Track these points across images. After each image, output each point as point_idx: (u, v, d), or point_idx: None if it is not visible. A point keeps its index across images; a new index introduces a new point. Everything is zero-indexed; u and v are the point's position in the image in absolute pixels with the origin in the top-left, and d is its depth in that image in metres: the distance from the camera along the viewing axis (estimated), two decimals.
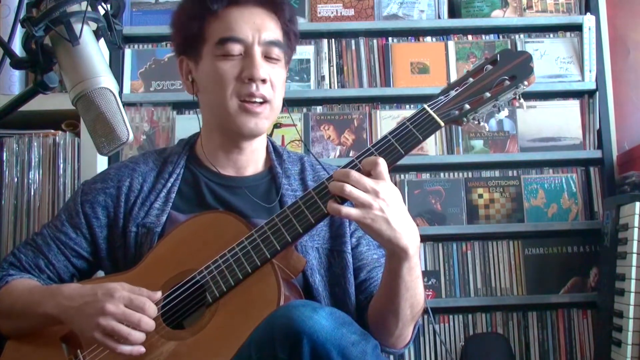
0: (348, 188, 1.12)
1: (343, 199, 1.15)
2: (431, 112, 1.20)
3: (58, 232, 1.35)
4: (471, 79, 1.22)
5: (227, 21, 1.30)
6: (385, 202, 1.11)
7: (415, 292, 1.19)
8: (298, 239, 1.21)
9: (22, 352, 1.25)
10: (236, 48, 1.30)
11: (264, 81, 1.30)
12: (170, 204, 1.34)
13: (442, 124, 1.20)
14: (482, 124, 1.23)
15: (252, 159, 1.41)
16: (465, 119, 1.21)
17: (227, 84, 1.30)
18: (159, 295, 1.15)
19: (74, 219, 1.35)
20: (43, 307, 1.19)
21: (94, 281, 1.30)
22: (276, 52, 1.32)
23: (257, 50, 1.30)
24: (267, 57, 1.32)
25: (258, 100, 1.30)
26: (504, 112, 1.23)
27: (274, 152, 1.44)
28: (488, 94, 1.20)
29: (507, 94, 1.21)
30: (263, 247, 1.16)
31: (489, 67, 1.23)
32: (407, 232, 1.13)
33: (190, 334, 1.15)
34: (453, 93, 1.22)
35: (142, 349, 1.12)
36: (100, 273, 1.43)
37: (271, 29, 1.33)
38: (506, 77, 1.20)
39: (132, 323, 1.10)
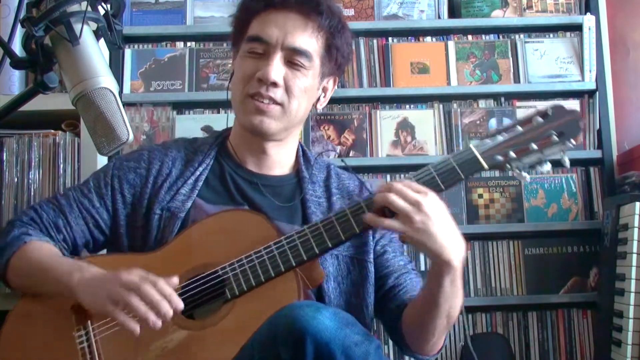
0: (392, 197, 1.13)
1: (390, 213, 1.16)
2: (477, 153, 1.21)
3: (83, 196, 1.36)
4: (520, 128, 1.23)
5: (262, 22, 1.34)
6: (428, 215, 1.12)
7: (453, 303, 1.22)
8: (326, 253, 1.23)
9: (30, 316, 1.25)
10: (260, 48, 1.33)
11: (274, 84, 1.31)
12: (197, 191, 1.35)
13: (487, 167, 1.21)
14: (523, 174, 1.23)
15: (277, 161, 1.42)
16: (508, 166, 1.22)
17: (243, 80, 1.34)
18: (175, 281, 1.14)
19: (102, 189, 1.36)
20: (62, 282, 1.19)
21: (116, 259, 1.31)
22: (301, 60, 1.33)
23: (277, 54, 1.32)
24: (290, 63, 1.33)
25: (266, 100, 1.32)
26: (547, 166, 1.23)
27: (303, 157, 1.46)
28: (535, 146, 1.21)
29: (553, 149, 1.21)
30: (290, 255, 1.18)
31: (539, 119, 1.23)
32: (451, 245, 1.15)
33: (203, 326, 1.15)
34: (500, 138, 1.22)
35: (158, 324, 1.10)
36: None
37: (302, 37, 1.33)
38: (555, 133, 1.21)
39: (146, 292, 1.09)
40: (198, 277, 1.20)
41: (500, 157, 1.21)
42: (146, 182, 1.37)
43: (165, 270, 1.19)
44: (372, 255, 1.37)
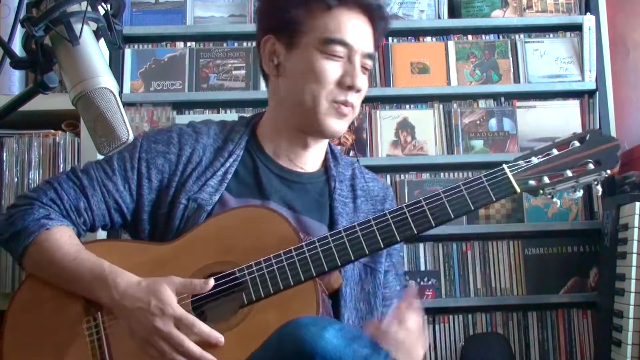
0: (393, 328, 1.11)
1: None
2: (510, 175, 1.18)
3: (107, 179, 1.30)
4: (555, 151, 1.19)
5: (338, 21, 1.29)
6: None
7: None
8: (347, 264, 1.21)
9: (38, 296, 1.24)
10: (342, 51, 1.30)
11: (358, 91, 1.31)
12: (225, 184, 1.31)
13: (518, 190, 1.18)
14: (554, 199, 1.20)
15: (313, 157, 1.40)
16: (541, 192, 1.18)
17: (326, 84, 1.29)
18: (211, 284, 1.15)
19: (128, 172, 1.31)
20: (94, 292, 1.18)
21: (132, 248, 1.28)
22: (369, 63, 1.34)
23: (359, 60, 1.31)
24: (363, 68, 1.33)
25: (347, 105, 1.31)
26: (579, 193, 1.20)
27: (331, 154, 1.45)
28: (570, 173, 1.17)
29: (588, 177, 1.17)
30: (310, 264, 1.16)
31: (576, 143, 1.19)
32: None
33: (218, 330, 1.13)
34: (535, 160, 1.19)
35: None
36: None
37: (370, 42, 1.34)
38: (591, 161, 1.17)
39: (176, 346, 1.10)
40: (216, 277, 1.18)
41: (533, 182, 1.18)
42: (175, 170, 1.32)
43: (181, 264, 1.19)
44: (383, 267, 1.35)
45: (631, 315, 1.75)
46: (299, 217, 1.30)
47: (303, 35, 1.30)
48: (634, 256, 1.78)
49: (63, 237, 1.24)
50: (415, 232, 1.18)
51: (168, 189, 1.31)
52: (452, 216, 1.17)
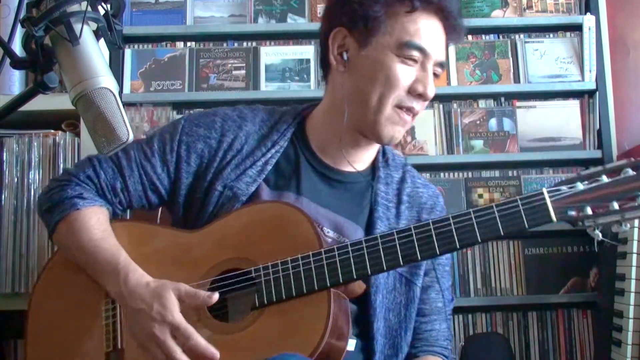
0: None
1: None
2: (549, 201, 1.09)
3: (145, 160, 1.30)
4: (604, 178, 1.08)
5: (417, 25, 1.25)
6: None
7: None
8: (364, 278, 1.17)
9: (61, 278, 1.26)
10: (418, 57, 1.25)
11: (426, 99, 1.27)
12: (264, 175, 1.29)
13: (555, 220, 1.09)
14: (596, 231, 1.09)
15: (362, 157, 1.36)
16: (580, 223, 1.09)
17: (396, 88, 1.24)
18: (215, 298, 1.13)
19: (167, 154, 1.30)
20: (105, 283, 1.20)
21: (155, 233, 1.28)
22: (440, 72, 1.30)
23: (431, 67, 1.27)
24: (434, 75, 1.28)
25: (411, 113, 1.27)
26: (625, 227, 1.07)
27: (382, 154, 1.39)
28: (616, 206, 1.06)
29: (635, 212, 1.05)
30: (326, 274, 1.12)
31: (629, 171, 1.07)
32: None
33: (227, 330, 1.14)
34: (580, 187, 1.09)
35: None
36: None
37: (444, 49, 1.30)
38: None
39: (168, 356, 1.10)
40: (229, 275, 1.17)
41: (573, 212, 1.08)
42: (215, 155, 1.30)
43: (201, 256, 1.20)
44: (420, 280, 1.31)
45: (631, 315, 1.75)
46: (333, 217, 1.27)
47: (379, 35, 1.25)
48: (634, 256, 1.78)
49: (92, 219, 1.24)
50: (438, 252, 1.12)
51: (205, 173, 1.29)
52: (479, 240, 1.10)
